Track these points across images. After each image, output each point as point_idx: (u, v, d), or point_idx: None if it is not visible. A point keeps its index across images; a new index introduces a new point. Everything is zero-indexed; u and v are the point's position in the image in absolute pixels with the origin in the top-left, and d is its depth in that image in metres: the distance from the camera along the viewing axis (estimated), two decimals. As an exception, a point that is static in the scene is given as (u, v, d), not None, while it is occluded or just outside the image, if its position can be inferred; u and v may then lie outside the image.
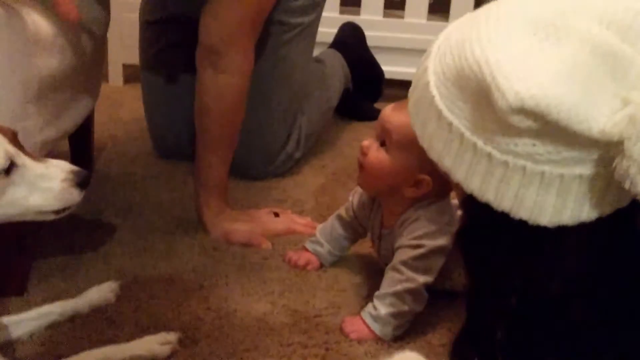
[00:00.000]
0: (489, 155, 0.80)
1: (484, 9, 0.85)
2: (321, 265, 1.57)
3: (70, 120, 1.48)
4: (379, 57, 2.44)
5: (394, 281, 1.35)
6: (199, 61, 1.66)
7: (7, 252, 1.33)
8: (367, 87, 2.42)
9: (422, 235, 1.37)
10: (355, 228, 1.56)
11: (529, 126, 0.75)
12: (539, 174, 0.78)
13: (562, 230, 0.81)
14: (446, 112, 0.83)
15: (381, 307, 1.34)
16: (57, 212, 1.13)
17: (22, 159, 1.04)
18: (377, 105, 2.44)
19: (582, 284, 0.85)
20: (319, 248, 1.57)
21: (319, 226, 1.60)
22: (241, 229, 1.65)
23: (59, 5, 1.21)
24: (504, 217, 0.82)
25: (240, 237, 1.64)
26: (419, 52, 2.50)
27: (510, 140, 0.78)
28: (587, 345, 0.87)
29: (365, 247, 1.60)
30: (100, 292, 1.40)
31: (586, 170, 0.78)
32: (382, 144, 1.39)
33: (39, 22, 1.34)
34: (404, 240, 1.38)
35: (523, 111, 0.73)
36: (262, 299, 1.44)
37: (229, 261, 1.57)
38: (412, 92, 0.92)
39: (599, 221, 0.80)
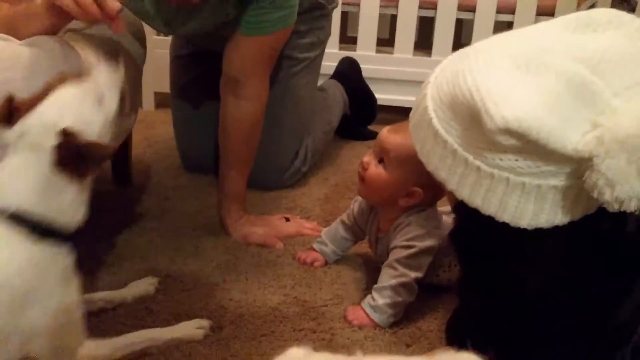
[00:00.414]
0: (478, 168, 0.81)
1: (473, 47, 0.86)
2: (326, 263, 1.56)
3: (119, 136, 1.49)
4: (373, 86, 2.44)
5: (389, 276, 1.35)
6: (223, 90, 1.66)
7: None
8: (362, 112, 2.41)
9: (413, 238, 1.37)
10: (355, 231, 1.56)
11: (512, 144, 0.76)
12: (520, 184, 0.79)
13: (539, 232, 0.81)
14: (442, 132, 0.84)
15: (379, 298, 1.34)
16: None
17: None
18: (371, 127, 2.43)
19: (555, 276, 0.85)
20: (324, 248, 1.57)
21: (324, 229, 1.60)
22: (258, 232, 1.65)
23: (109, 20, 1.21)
24: (490, 220, 0.82)
25: (257, 238, 1.64)
26: (406, 82, 2.55)
27: (496, 156, 0.79)
28: (559, 327, 0.87)
29: (363, 247, 1.59)
30: (142, 285, 1.40)
31: (560, 181, 0.78)
32: (380, 161, 1.39)
33: (88, 53, 1.34)
34: (398, 241, 1.38)
35: (508, 132, 0.74)
36: (276, 291, 1.43)
37: (247, 259, 1.56)
38: (413, 115, 0.92)
39: (570, 224, 0.80)
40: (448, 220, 1.44)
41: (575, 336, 0.86)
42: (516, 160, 0.78)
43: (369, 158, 1.41)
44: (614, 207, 0.73)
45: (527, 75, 0.76)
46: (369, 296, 1.36)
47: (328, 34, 2.03)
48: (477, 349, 0.91)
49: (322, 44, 1.99)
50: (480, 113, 0.76)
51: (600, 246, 0.83)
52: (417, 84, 2.55)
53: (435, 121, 0.85)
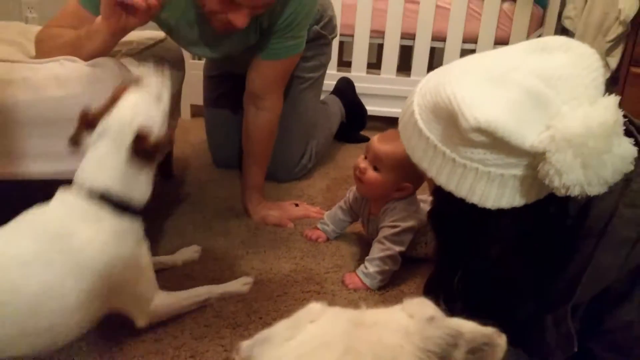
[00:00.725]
0: (453, 160, 0.81)
1: (453, 64, 0.85)
2: (328, 239, 1.56)
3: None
4: (364, 100, 2.43)
5: (378, 250, 1.35)
6: (246, 102, 1.66)
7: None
8: (355, 120, 2.41)
9: (398, 219, 1.37)
10: (351, 214, 1.55)
11: (482, 141, 0.76)
12: (487, 173, 0.79)
13: (500, 211, 0.81)
14: (425, 131, 0.83)
15: (370, 267, 1.34)
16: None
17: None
18: (362, 133, 2.43)
19: (511, 246, 0.85)
20: (326, 227, 1.57)
21: (326, 213, 1.60)
22: (273, 214, 1.65)
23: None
24: (461, 202, 0.82)
25: (273, 220, 1.63)
26: (391, 97, 2.54)
27: (468, 150, 0.79)
28: (514, 287, 0.88)
29: (357, 227, 1.59)
30: (189, 252, 1.41)
31: (519, 171, 0.78)
32: (375, 168, 1.38)
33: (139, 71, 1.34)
34: (386, 222, 1.38)
35: (479, 130, 0.74)
36: (288, 261, 1.43)
37: (265, 236, 1.56)
38: (402, 118, 0.92)
39: (525, 206, 0.80)
40: (424, 206, 1.45)
41: (528, 295, 0.86)
42: (484, 153, 0.78)
43: (364, 164, 1.40)
44: (562, 192, 0.74)
45: (495, 88, 0.76)
46: (362, 265, 1.36)
47: (329, 59, 2.02)
48: (448, 304, 0.92)
49: (324, 66, 1.99)
50: (457, 116, 0.76)
51: (547, 223, 0.83)
52: (400, 98, 2.59)
53: (419, 122, 0.84)
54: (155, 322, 1.12)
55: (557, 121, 0.73)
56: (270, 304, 1.24)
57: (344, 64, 2.69)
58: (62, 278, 0.93)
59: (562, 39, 0.80)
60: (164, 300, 1.14)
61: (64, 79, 1.21)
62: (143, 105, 1.06)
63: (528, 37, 2.46)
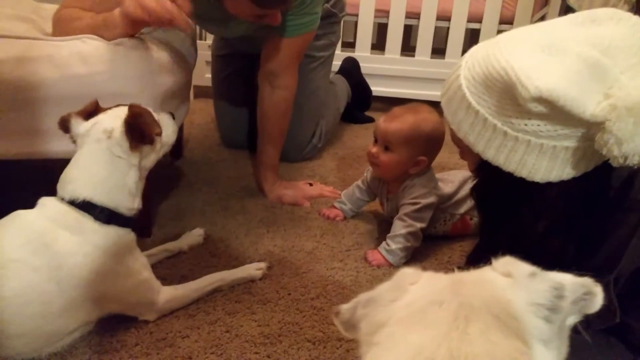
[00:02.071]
0: (505, 133, 0.82)
1: (499, 37, 0.86)
2: (345, 218, 1.58)
3: (179, 120, 1.50)
4: (369, 80, 2.45)
5: (400, 227, 1.38)
6: (261, 81, 1.66)
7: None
8: (360, 100, 2.42)
9: (418, 196, 1.40)
10: (369, 194, 1.58)
11: (539, 111, 0.77)
12: (539, 145, 0.80)
13: (547, 185, 0.83)
14: (474, 104, 0.84)
15: (392, 244, 1.37)
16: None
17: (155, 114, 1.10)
18: (367, 113, 2.45)
19: (556, 221, 0.87)
20: (343, 206, 1.59)
21: (344, 192, 1.62)
22: (289, 193, 1.67)
23: (177, 21, 1.21)
24: (508, 176, 0.84)
25: (289, 199, 1.65)
26: (395, 77, 2.55)
27: (522, 122, 0.80)
28: (559, 259, 0.89)
29: (373, 206, 1.62)
30: (192, 236, 1.40)
31: (571, 143, 0.80)
32: (386, 148, 1.40)
33: (160, 52, 1.34)
34: (406, 200, 1.41)
35: (539, 99, 0.76)
36: (309, 239, 1.46)
37: (283, 215, 1.58)
38: (445, 93, 0.92)
39: (572, 179, 0.82)
40: (442, 184, 1.48)
41: (571, 266, 0.89)
42: (539, 125, 0.79)
43: (376, 149, 1.41)
44: (619, 162, 0.76)
45: (550, 57, 0.78)
46: (384, 242, 1.39)
47: (339, 37, 2.03)
48: None
49: (334, 45, 2.00)
50: (514, 86, 0.77)
51: (592, 196, 0.86)
52: (403, 78, 2.59)
53: (468, 95, 0.85)
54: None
55: (617, 90, 0.74)
56: (297, 280, 1.27)
57: (345, 44, 2.69)
58: (44, 284, 0.94)
59: (611, 10, 0.82)
60: (170, 296, 1.13)
61: (88, 57, 1.21)
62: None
63: (533, 16, 2.48)
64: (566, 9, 2.51)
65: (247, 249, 1.38)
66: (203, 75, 2.41)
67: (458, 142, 0.93)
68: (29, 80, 1.18)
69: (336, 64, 2.33)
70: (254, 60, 1.72)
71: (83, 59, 1.21)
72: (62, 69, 1.19)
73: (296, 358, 1.04)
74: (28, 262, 0.94)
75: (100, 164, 1.01)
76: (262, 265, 1.29)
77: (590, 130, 0.77)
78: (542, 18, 2.51)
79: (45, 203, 1.00)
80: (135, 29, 1.26)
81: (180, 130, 1.86)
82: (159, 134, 1.05)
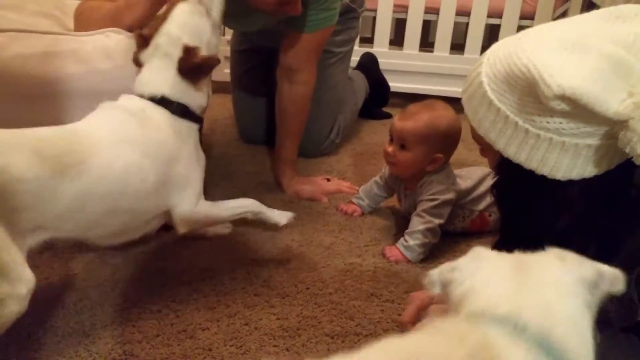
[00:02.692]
0: (526, 131, 0.82)
1: (522, 33, 0.86)
2: (363, 213, 1.59)
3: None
4: (387, 76, 2.45)
5: (418, 223, 1.39)
6: (279, 76, 1.68)
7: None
8: (378, 96, 2.42)
9: (436, 192, 1.41)
10: (387, 190, 1.59)
11: (562, 109, 0.77)
12: (561, 143, 0.80)
13: (568, 183, 0.83)
14: (495, 102, 0.84)
15: (410, 240, 1.38)
16: None
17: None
18: (385, 109, 2.45)
19: (577, 219, 0.87)
20: (361, 202, 1.60)
21: (361, 187, 1.63)
22: (307, 189, 1.68)
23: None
24: (529, 174, 0.84)
25: (307, 194, 1.67)
26: (413, 73, 2.55)
27: (544, 119, 0.80)
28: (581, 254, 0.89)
29: (390, 202, 1.63)
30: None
31: (594, 141, 0.79)
32: (402, 146, 1.40)
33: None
34: (424, 196, 1.42)
35: (562, 97, 0.75)
36: (327, 234, 1.47)
37: (301, 210, 1.59)
38: (466, 90, 0.92)
39: (594, 177, 0.82)
40: (460, 180, 1.48)
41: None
42: (561, 122, 0.78)
43: (392, 148, 1.42)
44: None
45: (574, 55, 0.77)
46: (402, 239, 1.40)
47: (357, 33, 2.04)
48: None
49: (352, 40, 2.00)
50: (537, 84, 0.77)
51: (614, 193, 0.85)
52: (422, 74, 2.59)
53: (489, 93, 0.85)
54: (195, 230, 1.23)
55: None
56: (315, 274, 1.28)
57: (363, 40, 2.69)
58: (142, 159, 1.04)
59: (637, 7, 0.81)
60: (206, 208, 1.20)
61: (111, 51, 1.24)
62: (191, 20, 1.15)
63: (554, 11, 2.47)
64: (589, 5, 2.48)
65: (266, 243, 1.40)
66: (222, 71, 2.42)
67: (479, 139, 0.93)
68: (54, 74, 1.20)
69: (354, 59, 2.33)
70: (272, 55, 1.73)
71: (106, 53, 1.23)
72: (86, 64, 1.22)
73: (315, 352, 1.05)
74: (129, 139, 1.04)
75: (170, 73, 1.12)
76: (290, 215, 1.32)
77: (614, 128, 0.77)
78: (564, 14, 2.49)
79: (128, 98, 1.12)
80: (157, 6, 1.29)
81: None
82: (211, 68, 1.17)
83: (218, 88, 2.54)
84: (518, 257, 0.66)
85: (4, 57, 1.18)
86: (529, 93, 0.80)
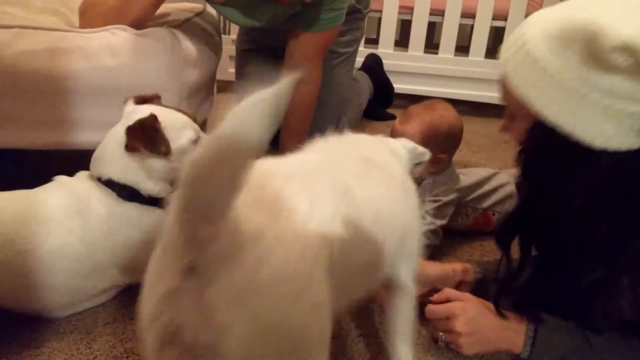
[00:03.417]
0: (572, 90, 0.77)
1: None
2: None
3: (204, 114, 1.52)
4: (390, 77, 2.45)
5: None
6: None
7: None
8: (382, 97, 2.42)
9: (439, 193, 1.40)
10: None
11: (619, 63, 0.73)
12: (606, 107, 0.76)
13: (602, 154, 0.79)
14: (542, 60, 0.80)
15: (413, 240, 1.37)
16: None
17: (201, 134, 1.12)
18: (389, 110, 2.45)
19: (600, 199, 0.84)
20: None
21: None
22: None
23: None
24: (562, 141, 0.80)
25: None
26: (419, 75, 2.55)
27: (597, 77, 0.76)
28: (589, 248, 0.86)
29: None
30: None
31: None
32: None
33: (187, 45, 1.36)
34: (426, 197, 1.40)
35: (623, 49, 0.72)
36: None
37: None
38: (505, 52, 0.88)
39: (626, 152, 0.79)
40: (464, 178, 1.48)
41: (598, 259, 0.86)
42: (614, 81, 0.75)
43: None
44: None
45: (636, 13, 0.75)
46: (404, 239, 1.39)
47: (362, 34, 2.04)
48: (523, 248, 0.93)
49: (358, 41, 2.01)
50: (595, 37, 0.73)
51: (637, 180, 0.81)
52: (427, 75, 2.58)
53: (535, 52, 0.80)
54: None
55: None
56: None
57: (367, 41, 2.70)
58: (77, 244, 1.03)
59: None
60: None
61: (117, 48, 1.24)
62: (181, 124, 1.10)
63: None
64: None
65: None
66: (226, 70, 2.43)
67: (511, 103, 0.88)
68: (60, 71, 1.21)
69: (359, 60, 2.34)
70: (278, 55, 1.73)
71: (112, 50, 1.24)
72: (92, 61, 1.22)
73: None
74: (65, 224, 1.03)
75: (118, 148, 1.06)
76: None
77: None
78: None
79: (80, 176, 1.10)
80: (160, 1, 1.29)
81: (203, 124, 1.89)
82: (153, 151, 1.06)
83: (223, 87, 2.55)
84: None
85: (9, 53, 1.19)
86: (585, 49, 0.76)
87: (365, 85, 2.28)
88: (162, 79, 1.26)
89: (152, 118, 1.04)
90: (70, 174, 1.11)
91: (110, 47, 1.23)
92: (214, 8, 1.64)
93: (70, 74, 1.20)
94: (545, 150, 0.86)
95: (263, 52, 1.97)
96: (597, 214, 0.84)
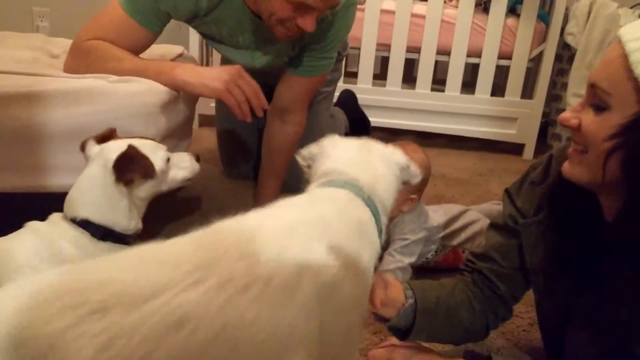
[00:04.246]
0: None
1: None
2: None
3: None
4: (369, 111, 2.50)
5: (389, 262, 1.42)
6: (270, 116, 1.71)
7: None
8: (359, 129, 2.45)
9: (408, 232, 1.44)
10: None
11: None
12: None
13: None
14: None
15: (382, 278, 1.41)
16: (189, 180, 1.26)
17: (168, 153, 1.18)
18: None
19: None
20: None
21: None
22: None
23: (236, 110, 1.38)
24: None
25: None
26: (395, 109, 2.60)
27: None
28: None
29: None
30: None
31: None
32: None
33: (163, 94, 1.39)
34: (396, 236, 1.45)
35: None
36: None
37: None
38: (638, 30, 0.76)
39: None
40: (434, 215, 1.52)
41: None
42: None
43: None
44: None
45: None
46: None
47: (340, 74, 2.13)
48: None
49: (336, 81, 2.07)
50: None
51: None
52: (405, 110, 2.63)
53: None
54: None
55: None
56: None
57: (348, 74, 2.77)
58: None
59: None
60: None
61: (94, 94, 1.27)
62: (150, 148, 1.13)
63: (531, 52, 2.54)
64: (564, 46, 2.56)
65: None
66: (208, 104, 2.48)
67: (610, 86, 0.75)
68: (36, 116, 1.24)
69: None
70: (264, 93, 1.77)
71: (89, 95, 1.27)
72: (68, 106, 1.25)
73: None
74: (37, 269, 1.03)
75: (97, 188, 1.09)
76: None
77: None
78: (540, 54, 2.56)
79: (54, 218, 1.11)
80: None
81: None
82: (146, 176, 1.11)
83: (205, 121, 2.60)
84: (365, 141, 0.94)
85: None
86: None
87: (341, 120, 2.32)
88: (137, 125, 1.28)
89: (132, 148, 1.08)
90: (42, 217, 1.13)
91: (87, 92, 1.26)
92: (213, 47, 1.68)
93: (47, 119, 1.23)
94: None
95: None
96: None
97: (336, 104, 2.44)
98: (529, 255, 0.99)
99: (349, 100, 2.48)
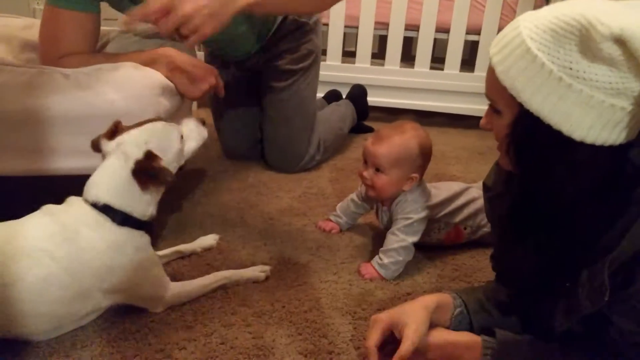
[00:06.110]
0: (559, 79, 0.79)
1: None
2: (340, 230, 1.63)
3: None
4: (369, 90, 2.49)
5: (392, 241, 1.42)
6: None
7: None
8: (358, 109, 2.46)
9: (411, 211, 1.44)
10: (363, 206, 1.62)
11: (609, 53, 0.75)
12: (589, 98, 0.78)
13: (580, 146, 0.80)
14: (533, 49, 0.81)
15: (384, 258, 1.41)
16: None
17: (180, 129, 1.23)
18: (367, 122, 2.50)
19: (584, 189, 0.85)
20: (339, 219, 1.64)
21: (339, 204, 1.66)
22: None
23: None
24: (545, 132, 0.81)
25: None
26: (394, 88, 2.60)
27: (583, 67, 0.77)
28: (572, 232, 0.89)
29: (368, 218, 1.66)
30: (208, 239, 1.50)
31: (622, 102, 0.78)
32: (377, 169, 1.43)
33: (161, 78, 1.39)
34: (399, 215, 1.45)
35: (616, 39, 0.73)
36: (305, 252, 1.50)
37: (280, 227, 1.63)
38: (499, 42, 0.87)
39: (609, 147, 0.80)
40: (436, 192, 1.52)
41: (582, 242, 0.87)
42: (599, 72, 0.77)
43: (367, 172, 1.44)
44: None
45: (630, 9, 0.77)
46: (377, 256, 1.43)
47: (317, 45, 2.03)
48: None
49: (313, 53, 2.00)
50: (589, 27, 0.75)
51: (620, 169, 0.82)
52: (403, 89, 2.64)
53: (528, 41, 0.81)
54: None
55: None
56: (291, 292, 1.32)
57: (346, 53, 2.75)
58: (62, 273, 1.06)
59: None
60: (178, 291, 1.23)
61: (92, 78, 1.27)
62: (164, 134, 1.16)
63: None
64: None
65: (245, 261, 1.43)
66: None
67: (495, 94, 0.88)
68: (38, 101, 1.23)
69: (332, 74, 2.38)
70: (247, 71, 1.75)
71: (88, 79, 1.26)
72: (68, 90, 1.25)
73: (288, 370, 1.09)
74: (50, 252, 1.05)
75: (119, 177, 1.11)
76: (267, 268, 1.37)
77: None
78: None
79: (72, 202, 1.13)
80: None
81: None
82: (165, 180, 1.12)
83: (204, 102, 2.58)
84: None
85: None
86: (576, 39, 0.78)
87: (348, 111, 2.32)
88: (137, 106, 1.27)
89: (148, 156, 1.10)
90: (57, 200, 1.14)
91: (86, 76, 1.26)
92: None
93: (48, 103, 1.23)
94: (529, 143, 0.86)
95: (232, 69, 2.01)
96: (581, 205, 0.86)
97: (346, 97, 2.44)
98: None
99: (358, 94, 2.47)
